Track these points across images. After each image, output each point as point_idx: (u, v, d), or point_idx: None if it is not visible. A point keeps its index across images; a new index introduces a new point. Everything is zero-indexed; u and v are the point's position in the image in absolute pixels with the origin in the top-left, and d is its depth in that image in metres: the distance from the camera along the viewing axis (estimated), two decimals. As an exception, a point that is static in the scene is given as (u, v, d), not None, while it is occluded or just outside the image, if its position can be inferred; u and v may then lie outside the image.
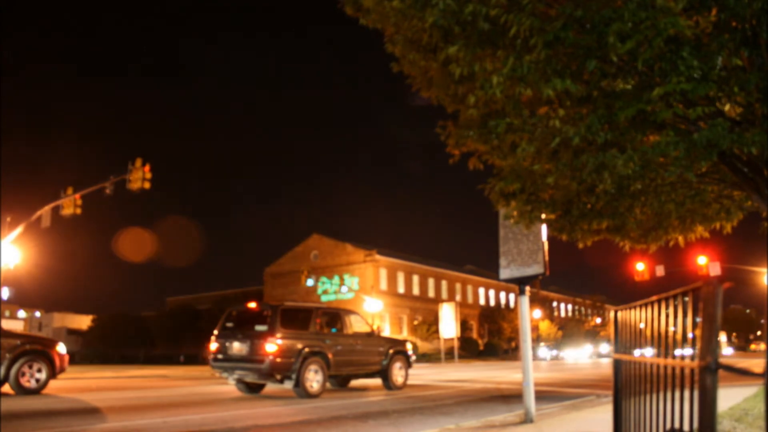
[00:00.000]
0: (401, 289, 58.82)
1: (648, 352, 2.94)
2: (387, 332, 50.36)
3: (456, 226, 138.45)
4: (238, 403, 10.05)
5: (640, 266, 28.36)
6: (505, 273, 7.42)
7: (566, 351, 53.80)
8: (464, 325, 58.02)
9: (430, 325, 54.29)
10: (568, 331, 66.60)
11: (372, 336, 13.53)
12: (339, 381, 13.56)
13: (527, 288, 7.33)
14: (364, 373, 13.04)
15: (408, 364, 13.88)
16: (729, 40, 4.37)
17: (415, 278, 60.99)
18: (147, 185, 21.35)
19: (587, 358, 51.89)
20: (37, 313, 64.65)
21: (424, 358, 45.91)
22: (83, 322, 58.74)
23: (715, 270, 26.55)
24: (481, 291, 69.52)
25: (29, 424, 7.20)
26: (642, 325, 3.05)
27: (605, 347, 55.77)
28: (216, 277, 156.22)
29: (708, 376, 2.00)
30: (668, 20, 4.05)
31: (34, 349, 11.43)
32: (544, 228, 6.98)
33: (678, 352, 2.55)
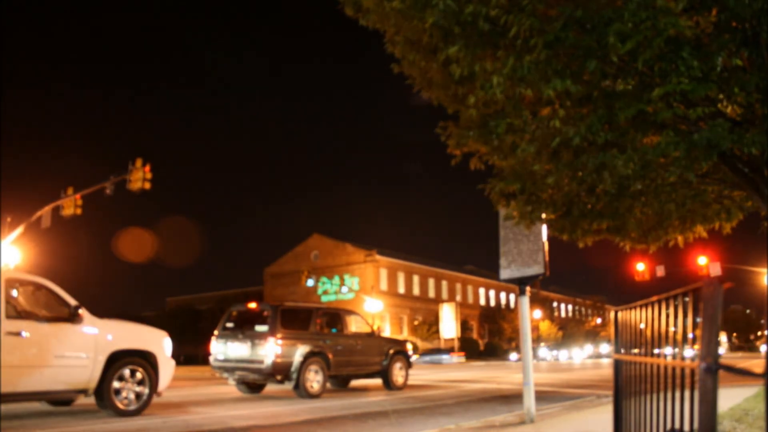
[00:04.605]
0: (401, 290, 58.86)
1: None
2: (387, 332, 50.38)
3: (456, 226, 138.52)
4: (238, 403, 10.05)
5: (640, 266, 28.33)
6: (505, 273, 7.42)
7: (562, 352, 53.79)
8: (464, 326, 58.09)
9: (431, 325, 54.39)
10: (569, 331, 66.68)
11: (372, 336, 13.54)
12: (339, 381, 13.56)
13: (527, 288, 7.33)
14: (365, 373, 13.04)
15: (408, 365, 13.89)
16: (729, 41, 4.37)
17: (416, 278, 61.03)
18: (147, 185, 21.34)
19: (580, 359, 51.87)
20: (38, 314, 64.55)
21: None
22: (83, 322, 58.64)
23: (716, 270, 26.49)
24: (482, 291, 69.56)
25: (29, 423, 7.21)
26: (642, 326, 3.05)
27: (605, 347, 55.81)
28: (216, 277, 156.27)
29: (708, 376, 2.00)
30: (668, 20, 4.05)
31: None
32: (544, 228, 6.98)
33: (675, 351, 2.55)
